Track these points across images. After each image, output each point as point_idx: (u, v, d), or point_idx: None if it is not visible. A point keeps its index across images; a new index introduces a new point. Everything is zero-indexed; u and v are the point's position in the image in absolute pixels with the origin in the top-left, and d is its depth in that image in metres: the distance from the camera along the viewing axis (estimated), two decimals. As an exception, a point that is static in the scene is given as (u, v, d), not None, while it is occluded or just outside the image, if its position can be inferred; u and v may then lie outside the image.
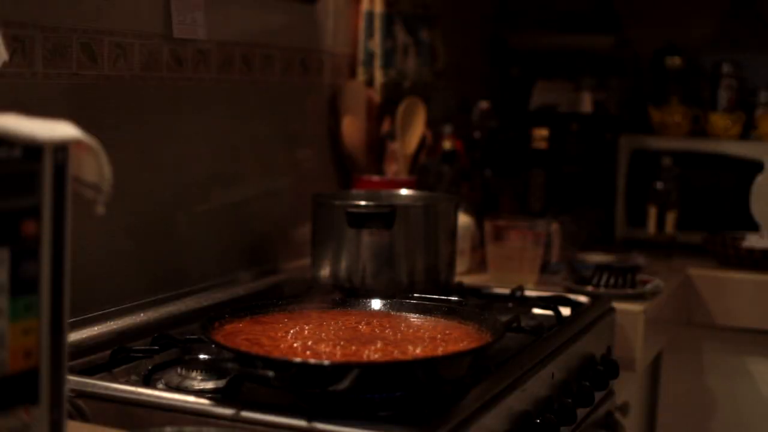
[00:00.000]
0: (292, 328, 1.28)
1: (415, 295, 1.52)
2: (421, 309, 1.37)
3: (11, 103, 1.33)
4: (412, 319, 1.35)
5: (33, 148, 0.73)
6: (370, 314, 1.38)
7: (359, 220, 1.62)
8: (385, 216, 1.62)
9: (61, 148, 0.75)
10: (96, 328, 1.41)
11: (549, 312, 1.63)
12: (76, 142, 0.75)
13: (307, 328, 1.28)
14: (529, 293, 1.75)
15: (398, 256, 1.63)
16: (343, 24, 2.19)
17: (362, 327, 1.30)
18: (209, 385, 1.20)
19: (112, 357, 1.32)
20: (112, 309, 1.48)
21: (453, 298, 1.47)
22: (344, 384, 1.07)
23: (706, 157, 2.51)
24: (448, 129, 2.30)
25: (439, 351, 1.18)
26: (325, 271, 1.68)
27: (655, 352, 2.11)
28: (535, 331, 1.51)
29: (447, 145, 2.26)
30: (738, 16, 2.80)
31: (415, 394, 1.15)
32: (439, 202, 1.76)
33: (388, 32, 2.27)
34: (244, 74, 1.82)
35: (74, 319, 1.37)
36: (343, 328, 1.30)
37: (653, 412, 2.32)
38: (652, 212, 2.41)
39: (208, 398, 1.13)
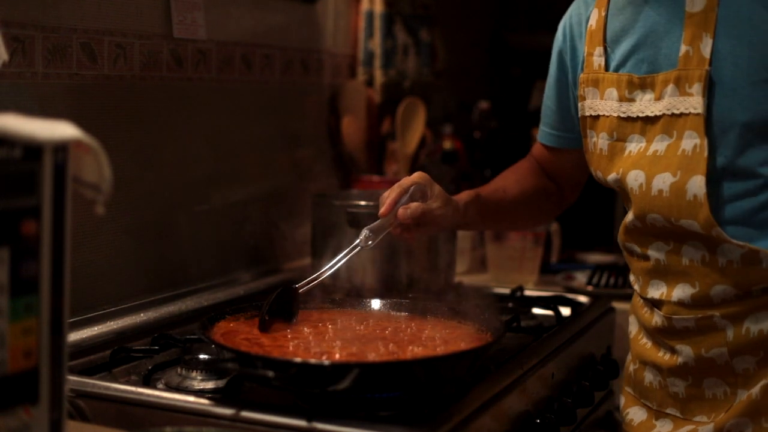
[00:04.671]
0: (291, 328, 1.28)
1: (415, 295, 1.51)
2: (421, 309, 1.37)
3: (11, 103, 1.33)
4: (411, 319, 1.35)
5: (33, 148, 0.73)
6: (370, 314, 1.38)
7: (359, 220, 1.62)
8: (385, 216, 1.61)
9: (61, 148, 0.75)
10: (96, 328, 1.41)
11: (549, 312, 1.63)
12: (76, 142, 0.75)
13: (307, 328, 1.28)
14: (529, 293, 1.75)
15: (398, 256, 1.63)
16: (343, 24, 2.19)
17: (362, 327, 1.30)
18: (209, 385, 1.20)
19: (112, 357, 1.32)
20: (112, 309, 1.48)
21: (453, 298, 1.47)
22: (344, 384, 1.07)
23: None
24: (448, 129, 2.30)
25: (439, 351, 1.18)
26: (325, 271, 1.68)
27: (655, 352, 2.10)
28: (535, 331, 1.51)
29: (447, 145, 2.26)
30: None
31: (415, 394, 1.15)
32: (439, 202, 1.76)
33: (388, 32, 2.27)
34: (244, 74, 1.82)
35: (74, 319, 1.37)
36: (343, 328, 1.30)
37: (653, 412, 2.31)
38: (652, 212, 2.41)
39: (208, 398, 1.13)
